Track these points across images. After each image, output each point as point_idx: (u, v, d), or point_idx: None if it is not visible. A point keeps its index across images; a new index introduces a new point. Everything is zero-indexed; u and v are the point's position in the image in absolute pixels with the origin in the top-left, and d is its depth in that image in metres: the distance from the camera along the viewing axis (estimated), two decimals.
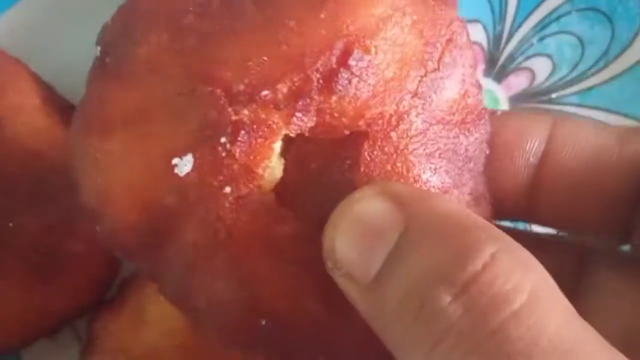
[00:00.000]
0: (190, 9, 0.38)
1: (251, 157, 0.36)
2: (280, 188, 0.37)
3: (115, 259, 0.56)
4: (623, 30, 0.64)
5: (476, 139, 0.40)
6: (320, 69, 0.36)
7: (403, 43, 0.38)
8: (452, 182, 0.39)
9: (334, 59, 0.36)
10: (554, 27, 0.65)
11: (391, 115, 0.37)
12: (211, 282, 0.37)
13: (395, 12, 0.38)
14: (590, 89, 0.65)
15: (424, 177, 0.38)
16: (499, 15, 0.65)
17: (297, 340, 0.37)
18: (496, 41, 0.66)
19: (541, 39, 0.66)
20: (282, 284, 0.37)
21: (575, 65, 0.65)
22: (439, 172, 0.39)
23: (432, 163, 0.38)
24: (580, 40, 0.65)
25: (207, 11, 0.38)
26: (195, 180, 0.36)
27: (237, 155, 0.36)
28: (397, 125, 0.38)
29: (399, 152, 0.38)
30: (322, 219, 0.36)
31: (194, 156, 0.36)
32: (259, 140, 0.36)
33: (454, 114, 0.39)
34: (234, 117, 0.36)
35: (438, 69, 0.38)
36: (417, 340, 0.31)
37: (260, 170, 0.37)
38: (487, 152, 0.41)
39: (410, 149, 0.38)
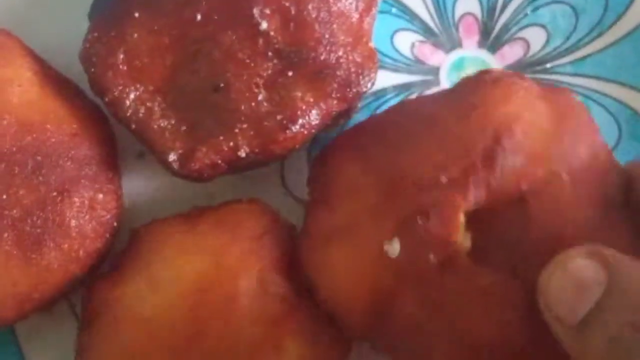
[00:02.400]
0: (372, 141, 0.53)
1: (444, 230, 0.48)
2: (472, 253, 0.49)
3: (110, 231, 0.55)
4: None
5: (615, 185, 0.51)
6: (481, 153, 0.49)
7: (539, 124, 0.50)
8: (600, 218, 0.49)
9: (489, 142, 0.49)
10: None
11: (546, 178, 0.49)
12: (434, 343, 0.49)
13: (528, 103, 0.51)
14: (584, 58, 0.65)
15: (581, 220, 0.49)
16: None
17: None
18: (490, 12, 0.65)
19: (535, 9, 0.65)
20: (491, 323, 0.48)
21: (570, 35, 0.65)
22: (593, 215, 0.49)
23: (583, 207, 0.49)
24: (574, 9, 0.65)
25: (386, 139, 0.53)
26: (406, 257, 0.49)
27: (432, 230, 0.48)
28: (552, 184, 0.49)
29: (558, 204, 0.49)
30: (514, 268, 0.48)
31: (400, 239, 0.49)
32: (447, 215, 0.49)
33: (590, 170, 0.50)
34: (424, 202, 0.49)
35: (571, 138, 0.51)
36: None
37: (453, 239, 0.48)
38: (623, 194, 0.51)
39: (566, 201, 0.49)
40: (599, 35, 0.65)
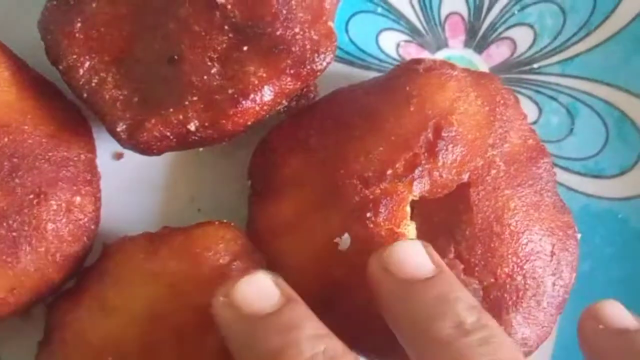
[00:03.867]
0: (312, 132, 0.56)
1: (393, 222, 0.52)
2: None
3: (88, 235, 0.55)
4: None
5: (544, 168, 0.55)
6: (423, 145, 0.52)
7: (473, 112, 0.54)
8: (536, 200, 0.54)
9: (430, 135, 0.52)
10: None
11: (482, 165, 0.53)
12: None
13: (462, 92, 0.54)
14: (572, 58, 0.64)
15: (514, 203, 0.53)
16: None
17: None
18: (477, 11, 0.65)
19: (522, 8, 0.65)
20: None
21: (557, 35, 0.64)
22: (527, 196, 0.54)
23: (520, 191, 0.54)
24: (562, 8, 0.64)
25: (325, 130, 0.55)
26: (355, 249, 0.51)
27: (382, 223, 0.51)
28: (489, 171, 0.53)
29: (495, 189, 0.53)
30: (458, 253, 0.52)
31: (349, 233, 0.51)
32: (394, 207, 0.52)
33: (522, 154, 0.55)
34: (371, 196, 0.52)
35: (502, 125, 0.55)
36: None
37: (402, 230, 0.52)
38: (554, 171, 0.56)
39: (502, 185, 0.53)
40: (587, 35, 0.64)
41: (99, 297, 0.52)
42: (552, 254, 0.53)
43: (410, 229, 0.52)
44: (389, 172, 0.52)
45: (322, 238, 0.52)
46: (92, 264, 0.55)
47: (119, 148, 0.56)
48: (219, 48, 0.52)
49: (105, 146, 0.59)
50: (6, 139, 0.52)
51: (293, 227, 0.54)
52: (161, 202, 0.60)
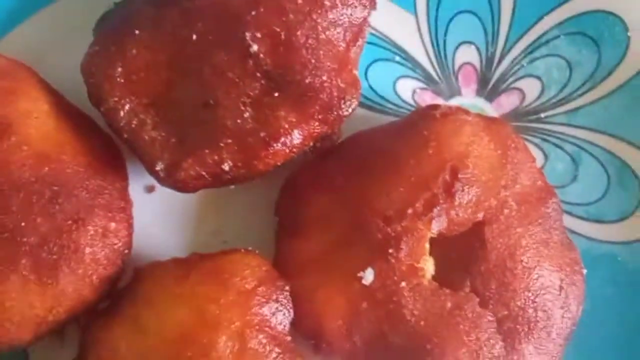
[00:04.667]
0: (337, 173, 0.59)
1: (413, 257, 0.55)
2: (436, 276, 0.55)
3: (121, 259, 0.57)
4: (609, 54, 0.67)
5: (552, 207, 0.59)
6: (441, 186, 0.56)
7: (487, 156, 0.57)
8: (546, 237, 0.57)
9: (447, 177, 0.56)
10: (543, 50, 0.68)
11: (496, 205, 0.57)
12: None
13: (476, 137, 0.57)
14: (577, 109, 0.67)
15: (525, 241, 0.56)
16: (492, 38, 0.68)
17: None
18: (488, 62, 0.68)
19: (531, 61, 0.68)
20: (459, 341, 0.55)
21: (564, 87, 0.68)
22: (537, 234, 0.57)
23: (530, 230, 0.57)
24: (569, 62, 0.68)
25: (350, 171, 0.58)
26: (379, 284, 0.55)
27: (403, 258, 0.55)
28: (502, 210, 0.57)
29: (508, 227, 0.56)
30: (474, 287, 0.55)
31: (373, 268, 0.55)
32: (414, 244, 0.55)
33: (532, 195, 0.58)
34: (393, 234, 0.55)
35: (514, 167, 0.58)
36: None
37: (421, 265, 0.55)
38: (562, 210, 0.59)
39: (515, 224, 0.56)
40: (592, 88, 0.67)
41: (133, 318, 0.55)
42: (561, 288, 0.56)
43: (429, 264, 0.55)
44: (410, 211, 0.55)
45: (347, 273, 0.55)
46: (124, 286, 0.57)
47: (151, 181, 0.59)
48: (251, 94, 0.55)
49: (137, 179, 0.62)
50: (47, 169, 0.55)
51: (319, 263, 0.57)
52: (188, 233, 0.63)
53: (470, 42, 0.69)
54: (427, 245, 0.55)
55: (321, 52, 0.55)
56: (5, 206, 0.53)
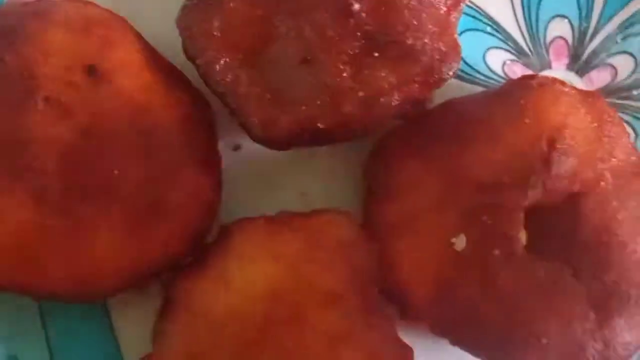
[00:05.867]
0: (429, 139, 0.58)
1: (507, 226, 0.54)
2: (529, 246, 0.54)
3: (210, 214, 0.57)
4: None
5: None
6: (538, 155, 0.54)
7: (584, 127, 0.56)
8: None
9: (544, 147, 0.54)
10: (638, 27, 0.67)
11: (592, 178, 0.55)
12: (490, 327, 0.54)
13: (573, 108, 0.56)
14: None
15: (621, 215, 0.55)
16: (586, 13, 0.68)
17: None
18: (581, 37, 0.67)
19: (625, 38, 0.67)
20: (549, 312, 0.53)
21: None
22: (633, 209, 0.56)
23: (626, 204, 0.56)
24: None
25: (442, 138, 0.57)
26: (471, 251, 0.54)
27: (496, 226, 0.54)
28: (598, 183, 0.55)
29: (604, 200, 0.55)
30: (567, 259, 0.54)
31: (465, 234, 0.54)
32: (508, 212, 0.54)
33: (627, 169, 0.57)
34: (487, 201, 0.54)
35: (609, 141, 0.57)
36: None
37: (515, 234, 0.54)
38: None
39: (611, 197, 0.55)
40: None
41: (223, 273, 0.54)
42: None
43: (522, 234, 0.54)
44: (505, 179, 0.54)
45: (438, 237, 0.55)
46: (212, 241, 0.57)
47: (237, 140, 0.59)
48: (351, 53, 0.54)
49: (224, 137, 0.61)
50: (140, 119, 0.55)
51: (409, 228, 0.56)
52: (273, 194, 0.63)
53: (563, 16, 0.68)
54: (522, 215, 0.54)
55: (423, 14, 0.54)
56: (98, 154, 0.53)
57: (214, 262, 0.55)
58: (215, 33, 0.55)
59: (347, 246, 0.55)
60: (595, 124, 0.57)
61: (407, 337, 0.54)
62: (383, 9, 0.54)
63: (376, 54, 0.54)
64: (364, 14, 0.54)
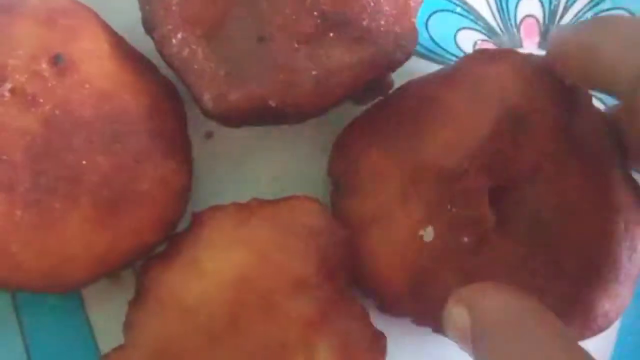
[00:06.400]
0: (389, 125, 0.56)
1: (473, 213, 0.52)
2: (496, 228, 0.53)
3: (181, 201, 0.57)
4: None
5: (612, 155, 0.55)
6: (498, 134, 0.53)
7: (546, 101, 0.54)
8: (604, 183, 0.54)
9: (503, 124, 0.53)
10: (607, 3, 0.68)
11: (555, 153, 0.53)
12: None
13: (533, 81, 0.55)
14: None
15: (587, 190, 0.53)
16: None
17: None
18: (551, 15, 0.67)
19: (596, 14, 0.67)
20: None
21: None
22: (594, 179, 0.54)
23: (590, 178, 0.54)
24: (633, 15, 0.67)
25: (401, 123, 0.56)
26: (440, 241, 0.53)
27: (462, 214, 0.52)
28: (561, 157, 0.53)
29: (567, 174, 0.53)
30: (534, 238, 0.53)
31: (433, 225, 0.52)
32: (474, 199, 0.52)
33: (591, 143, 0.54)
34: (449, 188, 0.52)
35: (570, 115, 0.54)
36: None
37: (482, 219, 0.52)
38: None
39: (571, 172, 0.53)
40: None
41: (193, 261, 0.54)
42: (627, 229, 0.54)
43: (489, 219, 0.53)
44: (466, 162, 0.53)
45: (406, 231, 0.54)
46: (183, 230, 0.56)
47: (208, 128, 0.60)
48: (306, 32, 0.55)
49: (196, 125, 0.61)
50: (108, 107, 0.55)
51: (377, 222, 0.55)
52: (246, 180, 0.63)
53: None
54: (486, 199, 0.53)
55: None
56: (66, 144, 0.53)
57: (185, 251, 0.55)
58: (173, 7, 0.56)
59: (316, 233, 0.55)
60: (557, 96, 0.55)
61: (387, 325, 0.54)
62: None
63: (331, 34, 0.55)
64: None
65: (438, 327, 0.50)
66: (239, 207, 0.56)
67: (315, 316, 0.52)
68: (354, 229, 0.55)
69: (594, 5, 0.67)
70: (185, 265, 0.54)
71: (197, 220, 0.56)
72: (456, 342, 0.46)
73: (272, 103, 0.54)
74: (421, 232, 0.53)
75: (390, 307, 0.55)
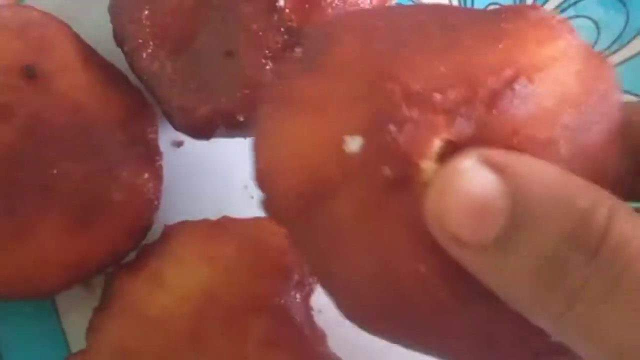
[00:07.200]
0: (381, 24, 0.46)
1: (413, 148, 0.41)
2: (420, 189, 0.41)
3: (151, 210, 0.58)
4: (636, 16, 0.67)
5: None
6: (488, 86, 0.41)
7: (564, 84, 0.43)
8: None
9: (501, 81, 0.41)
10: (571, 11, 0.69)
11: (542, 140, 0.41)
12: (350, 254, 0.41)
13: (564, 57, 0.43)
14: None
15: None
16: None
17: (418, 318, 0.41)
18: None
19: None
20: (415, 265, 0.40)
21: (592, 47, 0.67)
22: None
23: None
24: (596, 24, 0.68)
25: (396, 29, 0.46)
26: (360, 157, 0.41)
27: (401, 142, 0.41)
28: (545, 148, 0.41)
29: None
30: None
31: (363, 137, 0.41)
32: (422, 133, 0.41)
33: (598, 157, 0.43)
34: (405, 112, 0.41)
35: (590, 114, 0.43)
36: (550, 302, 0.32)
37: (419, 162, 0.41)
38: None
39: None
40: (619, 49, 0.68)
41: (158, 274, 0.55)
42: None
43: (429, 164, 0.42)
44: (437, 96, 0.42)
45: (334, 129, 0.43)
46: (152, 242, 0.57)
47: (178, 137, 0.61)
48: (273, 47, 0.55)
49: (166, 135, 0.62)
50: (80, 118, 0.56)
51: (313, 106, 0.45)
52: (216, 188, 0.63)
53: (497, 3, 0.69)
54: (438, 145, 0.42)
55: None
56: (38, 154, 0.54)
57: (152, 263, 0.56)
58: (143, 22, 0.57)
59: (283, 252, 0.55)
60: (583, 89, 0.45)
61: (347, 347, 0.54)
62: (307, 6, 0.55)
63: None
64: (287, 10, 0.55)
65: (308, 258, 0.43)
66: (209, 223, 0.57)
67: (272, 336, 0.53)
68: (288, 104, 0.46)
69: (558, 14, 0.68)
70: (151, 277, 0.55)
71: (167, 232, 0.57)
72: (439, 222, 0.37)
73: (240, 118, 0.55)
74: (347, 137, 0.42)
75: (280, 208, 0.44)
